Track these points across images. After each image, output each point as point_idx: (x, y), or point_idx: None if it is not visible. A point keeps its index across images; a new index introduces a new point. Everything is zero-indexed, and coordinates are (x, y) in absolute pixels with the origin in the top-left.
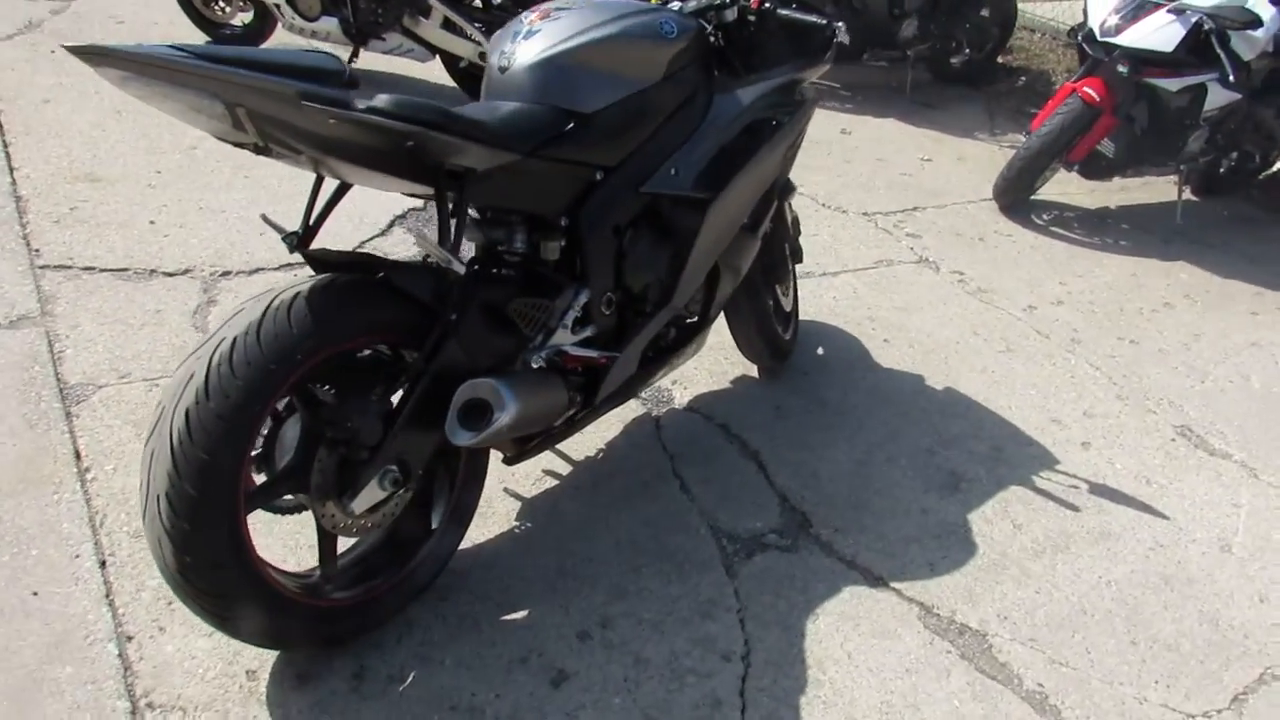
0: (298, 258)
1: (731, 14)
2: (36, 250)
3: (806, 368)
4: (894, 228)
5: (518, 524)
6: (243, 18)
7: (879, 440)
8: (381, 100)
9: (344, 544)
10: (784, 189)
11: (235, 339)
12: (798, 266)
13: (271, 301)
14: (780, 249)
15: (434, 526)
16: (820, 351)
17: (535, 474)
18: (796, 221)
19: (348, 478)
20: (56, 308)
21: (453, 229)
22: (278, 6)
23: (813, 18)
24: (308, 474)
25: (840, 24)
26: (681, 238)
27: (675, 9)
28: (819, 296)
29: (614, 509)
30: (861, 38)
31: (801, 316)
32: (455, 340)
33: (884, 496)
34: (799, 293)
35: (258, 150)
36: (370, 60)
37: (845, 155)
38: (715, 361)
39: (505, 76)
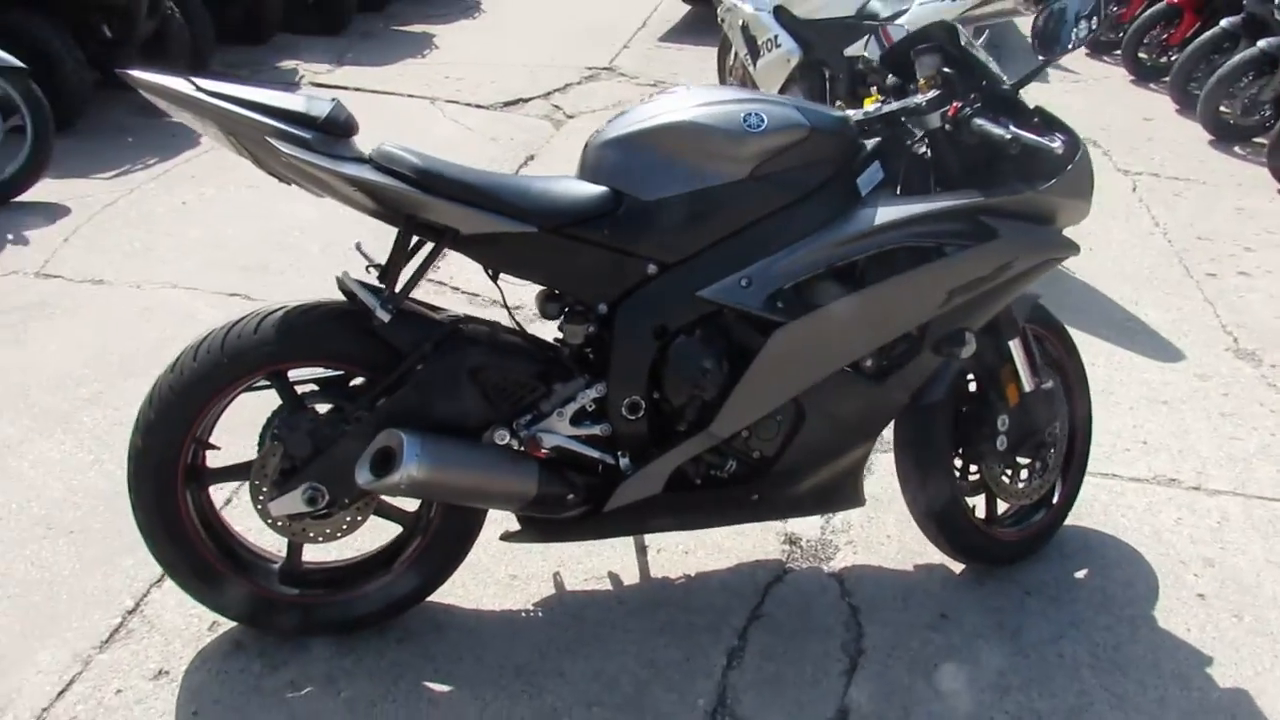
0: None
1: (934, 120)
2: None
3: (1043, 584)
4: None
5: (530, 607)
6: None
7: None
8: (370, 151)
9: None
10: (949, 343)
11: (214, 334)
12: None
13: (261, 310)
14: (988, 419)
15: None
16: (1081, 574)
17: (597, 569)
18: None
19: (286, 481)
20: None
21: (401, 277)
22: None
23: (1032, 138)
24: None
25: (1075, 148)
26: (737, 360)
27: (857, 114)
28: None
29: (634, 634)
30: None
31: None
32: (411, 389)
33: None
34: (1064, 492)
35: (278, 178)
36: None
37: None
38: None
39: (585, 151)
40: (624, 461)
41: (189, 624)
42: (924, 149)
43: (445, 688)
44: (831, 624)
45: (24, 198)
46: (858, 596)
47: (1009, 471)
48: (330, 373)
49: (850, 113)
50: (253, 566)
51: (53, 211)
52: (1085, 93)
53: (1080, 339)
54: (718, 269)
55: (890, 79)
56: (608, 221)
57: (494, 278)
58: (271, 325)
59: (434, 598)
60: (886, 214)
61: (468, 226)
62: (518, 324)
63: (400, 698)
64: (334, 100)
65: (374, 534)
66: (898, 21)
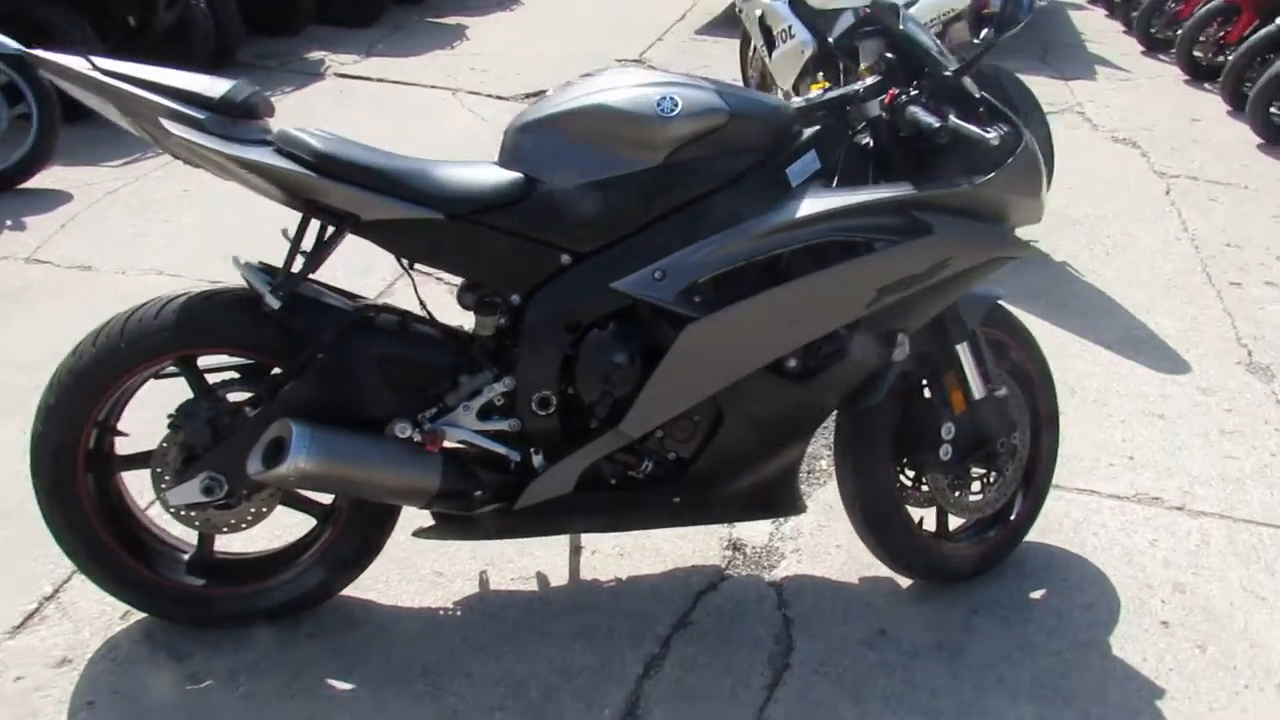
0: None
1: (873, 108)
2: None
3: (994, 603)
4: None
5: (450, 605)
6: None
7: None
8: (272, 134)
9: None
10: (880, 345)
11: (115, 319)
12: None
13: (166, 295)
14: (931, 426)
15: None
16: (1038, 595)
17: (526, 568)
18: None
19: (185, 470)
20: None
21: (300, 263)
22: None
23: (967, 128)
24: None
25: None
26: (650, 356)
27: (798, 100)
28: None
29: (552, 638)
30: None
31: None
32: (311, 379)
33: None
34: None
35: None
36: None
37: None
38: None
39: (504, 135)
40: (537, 459)
41: (102, 612)
42: (867, 139)
43: (347, 686)
44: (762, 635)
45: (30, 184)
46: (794, 607)
47: (957, 483)
48: (246, 361)
49: (795, 100)
50: (159, 556)
51: (55, 198)
52: (1133, 91)
53: (1079, 346)
54: (632, 260)
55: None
56: (519, 209)
57: (408, 266)
58: (173, 311)
59: (354, 592)
60: (813, 206)
61: (368, 212)
62: (429, 313)
63: (300, 694)
64: (237, 81)
65: (302, 525)
66: (910, 11)
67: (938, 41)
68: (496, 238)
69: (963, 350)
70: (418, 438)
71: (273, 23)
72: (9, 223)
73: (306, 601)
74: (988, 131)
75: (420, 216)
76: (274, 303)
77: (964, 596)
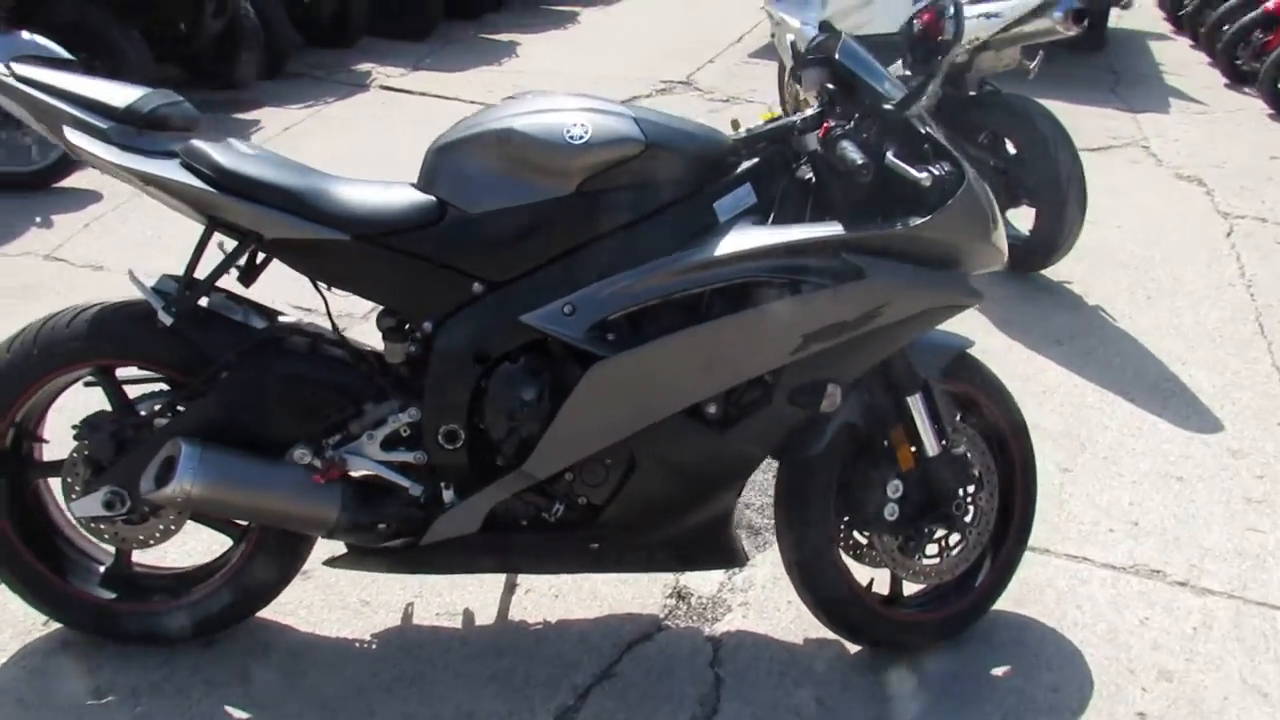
0: None
1: (811, 141)
2: None
3: (950, 677)
4: None
5: (368, 637)
6: None
7: None
8: (179, 146)
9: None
10: (807, 395)
11: (30, 326)
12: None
13: (82, 304)
14: (876, 483)
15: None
16: (1000, 671)
17: (453, 604)
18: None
19: (92, 482)
20: None
21: (200, 279)
22: None
23: (900, 165)
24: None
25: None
26: (560, 394)
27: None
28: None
29: (464, 679)
30: None
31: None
32: (211, 398)
33: None
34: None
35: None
36: None
37: None
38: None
39: (424, 157)
40: (448, 494)
41: (28, 616)
42: (809, 174)
43: (244, 715)
44: (688, 694)
45: (64, 183)
46: (729, 666)
47: (910, 545)
48: (157, 376)
49: (740, 131)
50: (74, 566)
51: (84, 198)
52: (1207, 125)
53: (1098, 397)
54: (543, 292)
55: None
56: (429, 233)
57: (316, 285)
58: (84, 321)
59: (274, 615)
60: (735, 243)
61: (270, 230)
62: (341, 336)
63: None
64: (149, 91)
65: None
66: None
67: (885, 71)
68: (405, 262)
69: (914, 403)
70: (318, 465)
71: (329, 34)
72: (38, 219)
73: (214, 624)
74: (920, 171)
75: (325, 237)
76: (166, 318)
77: (916, 668)
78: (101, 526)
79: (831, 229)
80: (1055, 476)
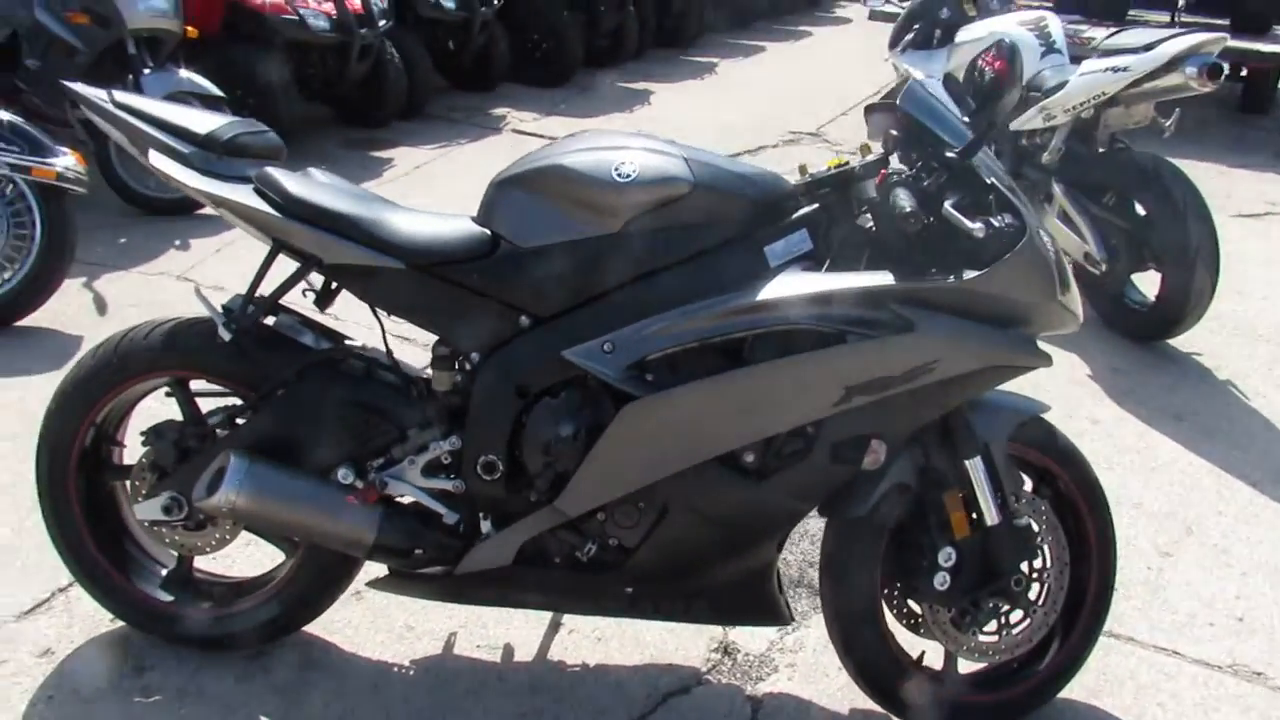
0: None
1: (869, 188)
2: None
3: None
4: None
5: (408, 663)
6: None
7: None
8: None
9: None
10: (848, 451)
11: (113, 337)
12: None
13: (161, 319)
14: (924, 555)
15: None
16: None
17: (496, 638)
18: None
19: (158, 487)
20: None
21: (254, 294)
22: None
23: (956, 216)
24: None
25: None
26: (594, 433)
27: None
28: None
29: (493, 715)
30: None
31: None
32: (266, 414)
33: None
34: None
35: None
36: None
37: None
38: None
39: (485, 191)
40: (485, 524)
41: (97, 612)
42: (870, 223)
43: None
44: None
45: (205, 210)
46: None
47: (966, 620)
48: (224, 389)
49: (805, 176)
50: (139, 567)
51: (221, 224)
52: None
53: (1215, 479)
54: (586, 329)
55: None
56: (480, 265)
57: (375, 311)
58: (159, 334)
59: (322, 633)
60: (780, 289)
61: (330, 256)
62: (394, 361)
63: None
64: (232, 120)
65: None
66: (1061, 94)
67: (957, 119)
68: (457, 292)
69: (973, 467)
70: (359, 486)
71: (471, 79)
72: (176, 242)
73: (262, 634)
74: (975, 222)
75: (380, 264)
76: (225, 334)
77: None
78: (162, 530)
79: (882, 278)
80: (1153, 560)
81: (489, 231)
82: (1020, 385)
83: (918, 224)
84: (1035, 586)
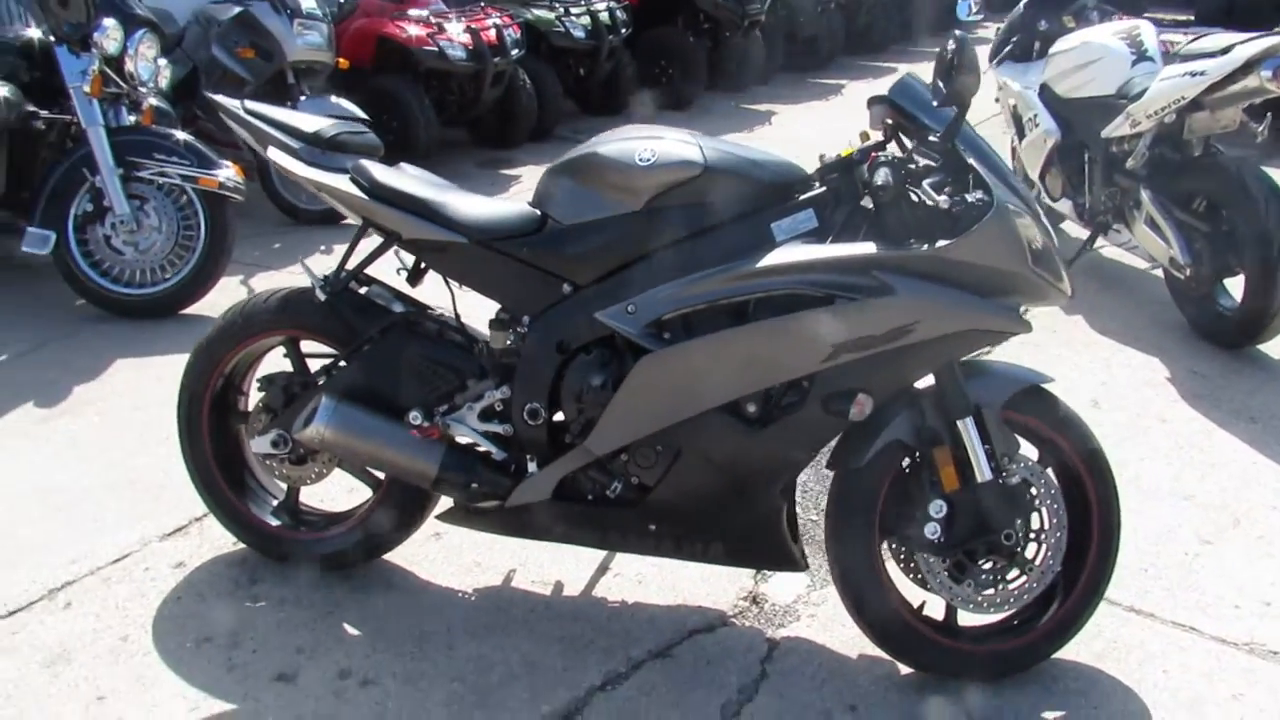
0: None
1: (864, 171)
2: None
3: (996, 713)
4: None
5: (471, 590)
6: None
7: None
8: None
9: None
10: (837, 403)
11: (242, 300)
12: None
13: (281, 287)
14: (916, 505)
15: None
16: (1053, 716)
17: (549, 575)
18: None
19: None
20: None
21: (349, 265)
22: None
23: (929, 193)
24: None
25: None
26: (618, 383)
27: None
28: None
29: (537, 635)
30: None
31: None
32: (356, 365)
33: None
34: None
35: None
36: None
37: None
38: None
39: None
40: (532, 465)
41: (225, 536)
42: (870, 203)
43: (355, 632)
44: (729, 682)
45: (349, 220)
46: (777, 665)
47: (959, 573)
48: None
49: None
50: (255, 495)
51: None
52: None
53: (1265, 465)
54: (615, 294)
55: None
56: (530, 240)
57: (447, 281)
58: (277, 299)
59: (402, 562)
60: (777, 257)
61: (408, 232)
62: (460, 323)
63: (317, 629)
64: (336, 122)
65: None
66: (1143, 99)
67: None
68: (510, 264)
69: (965, 427)
70: (426, 425)
71: (600, 102)
72: (321, 247)
73: (348, 558)
74: (942, 197)
75: (448, 239)
76: (320, 296)
77: (961, 698)
78: (272, 463)
79: (865, 248)
80: (1193, 546)
81: (539, 212)
82: (1089, 381)
83: (887, 196)
84: (1033, 546)
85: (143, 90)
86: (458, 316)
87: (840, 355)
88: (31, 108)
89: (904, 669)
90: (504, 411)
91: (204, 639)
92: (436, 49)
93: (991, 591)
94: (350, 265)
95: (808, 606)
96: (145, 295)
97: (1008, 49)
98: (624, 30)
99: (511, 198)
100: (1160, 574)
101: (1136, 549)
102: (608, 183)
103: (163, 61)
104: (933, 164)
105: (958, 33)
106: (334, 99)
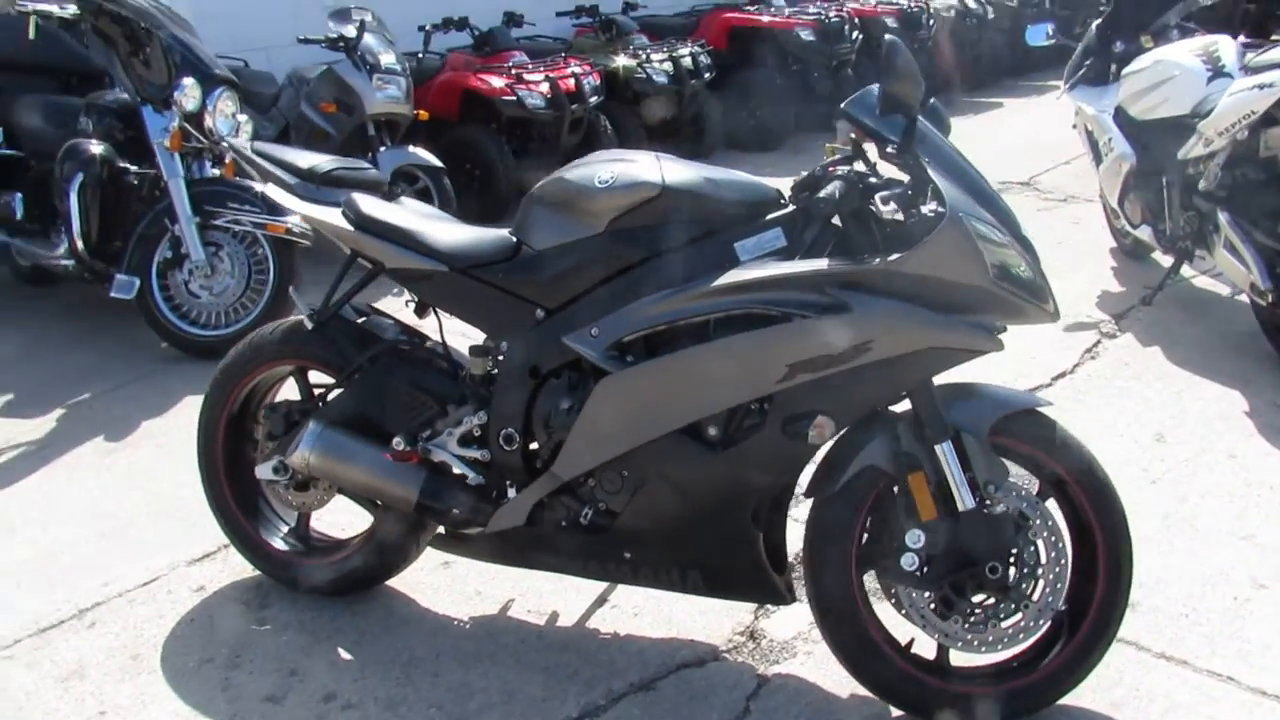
0: None
1: (828, 190)
2: None
3: None
4: None
5: (467, 619)
6: None
7: None
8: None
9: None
10: (795, 425)
11: (254, 332)
12: None
13: (284, 320)
14: (893, 534)
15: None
16: None
17: (545, 606)
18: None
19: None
20: None
21: (336, 294)
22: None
23: (881, 208)
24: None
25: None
26: (583, 405)
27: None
28: None
29: (523, 666)
30: None
31: None
32: (346, 392)
33: None
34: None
35: None
36: None
37: None
38: None
39: None
40: (511, 490)
41: (245, 566)
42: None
43: (347, 656)
44: (710, 719)
45: None
46: (763, 702)
47: (945, 608)
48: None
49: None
50: (266, 521)
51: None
52: None
53: None
54: (581, 317)
55: None
56: (504, 267)
57: (434, 309)
58: (281, 329)
59: (404, 588)
60: (734, 276)
61: (390, 261)
62: (447, 351)
63: (313, 652)
64: (333, 159)
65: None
66: (1212, 116)
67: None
68: (487, 291)
69: (943, 452)
70: (406, 450)
71: (685, 145)
72: (394, 289)
73: (350, 584)
74: (890, 207)
75: (430, 268)
76: (308, 324)
77: None
78: (276, 488)
79: (819, 264)
80: (1244, 590)
81: (514, 239)
82: (1156, 414)
83: (830, 209)
84: (1030, 580)
85: (223, 145)
86: (444, 343)
87: (797, 375)
88: (123, 164)
89: (897, 713)
90: (481, 437)
91: (206, 659)
92: (515, 98)
93: (983, 629)
94: (338, 295)
95: (806, 643)
96: (219, 336)
97: (1081, 72)
98: (706, 74)
99: None
100: (1202, 619)
101: (1179, 592)
102: (572, 206)
103: (243, 117)
104: (898, 177)
105: (887, 37)
106: (411, 149)
